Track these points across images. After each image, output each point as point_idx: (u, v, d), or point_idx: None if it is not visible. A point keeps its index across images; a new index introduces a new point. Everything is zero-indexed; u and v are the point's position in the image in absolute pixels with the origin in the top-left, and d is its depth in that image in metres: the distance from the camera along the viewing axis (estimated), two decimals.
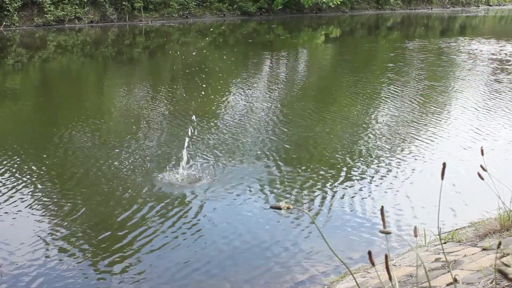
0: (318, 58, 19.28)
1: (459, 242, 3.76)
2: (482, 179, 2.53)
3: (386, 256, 1.62)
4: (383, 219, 1.78)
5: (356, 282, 1.80)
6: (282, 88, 12.88)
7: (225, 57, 17.71)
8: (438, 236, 4.36)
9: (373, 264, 1.66)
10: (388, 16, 38.21)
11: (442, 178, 2.03)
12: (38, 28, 26.56)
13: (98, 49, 20.97)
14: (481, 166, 2.54)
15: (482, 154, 3.00)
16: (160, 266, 4.34)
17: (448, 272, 2.80)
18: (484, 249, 3.19)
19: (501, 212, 3.55)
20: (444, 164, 2.03)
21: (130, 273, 4.24)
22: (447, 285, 2.62)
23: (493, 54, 17.67)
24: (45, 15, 26.79)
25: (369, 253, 1.66)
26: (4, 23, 26.00)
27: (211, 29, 26.70)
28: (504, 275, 1.05)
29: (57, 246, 4.69)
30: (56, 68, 17.34)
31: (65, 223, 5.13)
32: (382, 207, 1.84)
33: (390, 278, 1.62)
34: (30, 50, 20.35)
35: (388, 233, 1.71)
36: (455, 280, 1.90)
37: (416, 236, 1.79)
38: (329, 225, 5.04)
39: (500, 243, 1.83)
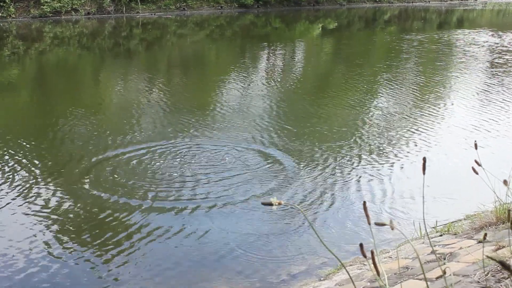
0: (315, 51, 19.24)
1: (455, 234, 3.78)
2: (477, 173, 2.53)
3: (372, 252, 1.63)
4: (366, 215, 1.78)
5: (349, 275, 1.80)
6: (279, 80, 12.85)
7: (222, 49, 17.67)
8: (432, 229, 4.38)
9: (365, 256, 1.66)
10: (386, 9, 38.11)
11: (424, 173, 2.04)
12: (34, 19, 26.41)
13: (95, 41, 20.88)
14: (476, 161, 2.54)
15: (476, 148, 3.00)
16: (155, 259, 4.35)
17: (444, 264, 2.82)
18: (480, 242, 3.20)
19: (497, 205, 3.56)
20: (424, 159, 2.04)
21: (126, 269, 4.24)
22: (437, 278, 2.64)
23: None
24: (42, 7, 26.63)
25: (361, 245, 1.65)
26: (0, 15, 25.85)
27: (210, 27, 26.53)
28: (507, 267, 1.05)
29: (50, 241, 4.67)
30: (53, 60, 17.27)
31: (59, 217, 5.12)
32: (365, 202, 1.84)
33: (378, 273, 1.62)
34: (27, 41, 20.25)
35: (383, 224, 1.71)
36: (444, 273, 1.90)
37: (392, 229, 1.79)
38: (325, 217, 5.04)
39: (485, 235, 1.84)
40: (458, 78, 12.40)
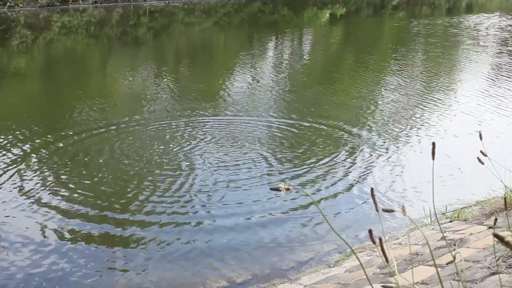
0: (323, 38, 19.11)
1: (465, 220, 3.78)
2: (482, 163, 2.52)
3: (381, 239, 1.62)
4: (374, 201, 1.78)
5: (360, 262, 1.80)
6: (288, 67, 12.80)
7: (230, 36, 17.60)
8: (441, 215, 4.38)
9: (374, 242, 1.66)
10: None
11: (433, 158, 2.03)
12: (42, 9, 26.41)
13: (103, 29, 20.88)
14: (481, 151, 2.53)
15: (481, 138, 2.99)
16: (165, 248, 4.38)
17: (454, 250, 2.82)
18: (490, 227, 3.20)
19: (507, 190, 3.55)
20: (433, 144, 2.03)
21: (135, 256, 4.27)
22: (447, 263, 2.64)
23: None
24: None
25: (370, 231, 1.65)
26: (8, 4, 25.88)
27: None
28: (500, 239, 1.05)
29: (56, 234, 4.65)
30: (61, 49, 17.30)
31: (62, 211, 5.14)
32: (372, 189, 1.83)
33: (386, 260, 1.61)
34: (35, 31, 20.27)
35: (391, 211, 1.71)
36: (454, 259, 1.91)
37: (404, 214, 1.79)
38: (335, 204, 5.04)
39: (496, 220, 1.84)
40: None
